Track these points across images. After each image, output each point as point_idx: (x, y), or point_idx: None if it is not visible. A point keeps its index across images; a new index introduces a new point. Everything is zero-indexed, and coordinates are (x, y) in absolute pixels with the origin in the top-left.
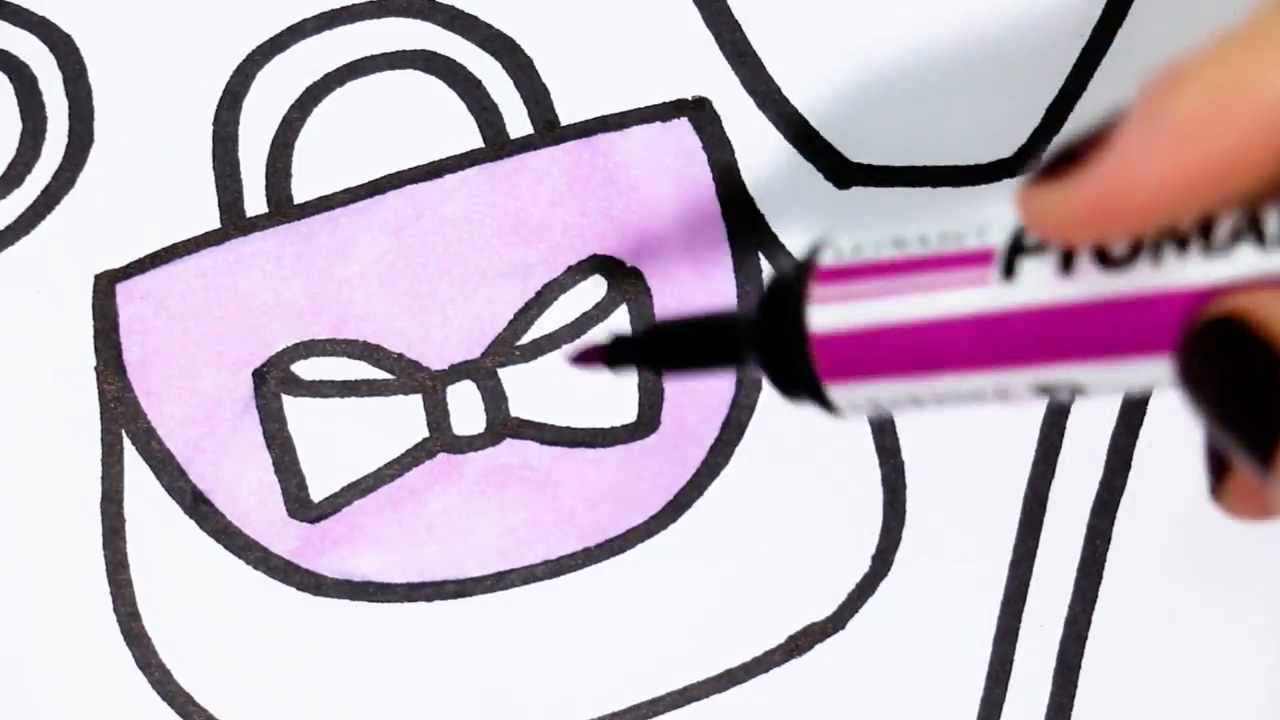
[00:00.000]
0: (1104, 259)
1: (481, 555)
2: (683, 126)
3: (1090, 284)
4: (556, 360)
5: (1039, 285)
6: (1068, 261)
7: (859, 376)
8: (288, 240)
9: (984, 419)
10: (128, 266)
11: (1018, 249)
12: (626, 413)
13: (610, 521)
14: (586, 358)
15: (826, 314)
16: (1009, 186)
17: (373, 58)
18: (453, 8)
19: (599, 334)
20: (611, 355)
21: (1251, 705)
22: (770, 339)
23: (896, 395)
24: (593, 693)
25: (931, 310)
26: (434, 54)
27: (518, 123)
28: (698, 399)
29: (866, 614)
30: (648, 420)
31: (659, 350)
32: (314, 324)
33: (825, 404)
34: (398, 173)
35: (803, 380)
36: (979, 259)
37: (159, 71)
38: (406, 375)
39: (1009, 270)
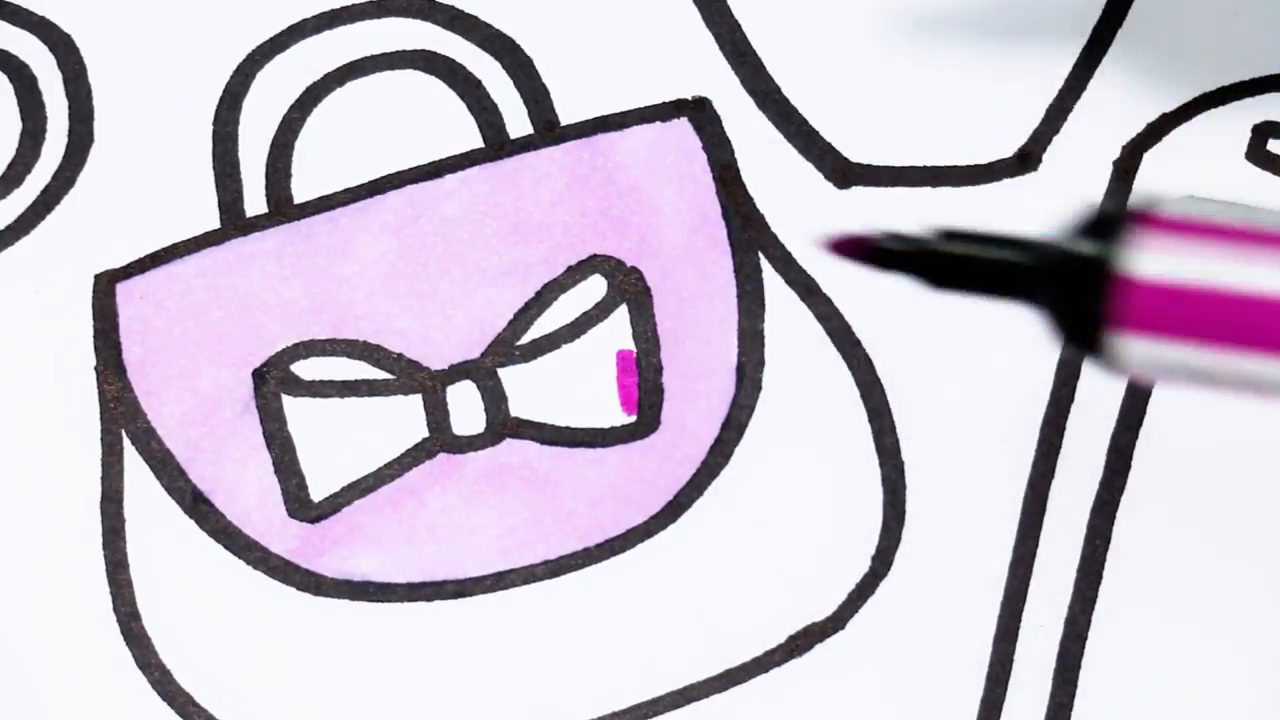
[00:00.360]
0: None
1: (481, 555)
2: (683, 126)
3: None
4: (556, 359)
5: None
6: None
7: (1168, 336)
8: (288, 240)
9: (984, 419)
10: (127, 266)
11: None
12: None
13: (610, 521)
14: (847, 247)
15: (1152, 260)
16: (1010, 186)
17: (372, 58)
18: (452, 8)
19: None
20: (879, 253)
21: (1251, 705)
22: (1080, 272)
23: (1197, 367)
24: (593, 692)
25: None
26: (434, 54)
27: (518, 123)
28: (697, 399)
29: (866, 614)
30: (647, 420)
31: (937, 261)
32: (314, 324)
33: (1108, 354)
34: (398, 173)
35: (1098, 324)
36: None
37: (159, 71)
38: (406, 375)
39: None
